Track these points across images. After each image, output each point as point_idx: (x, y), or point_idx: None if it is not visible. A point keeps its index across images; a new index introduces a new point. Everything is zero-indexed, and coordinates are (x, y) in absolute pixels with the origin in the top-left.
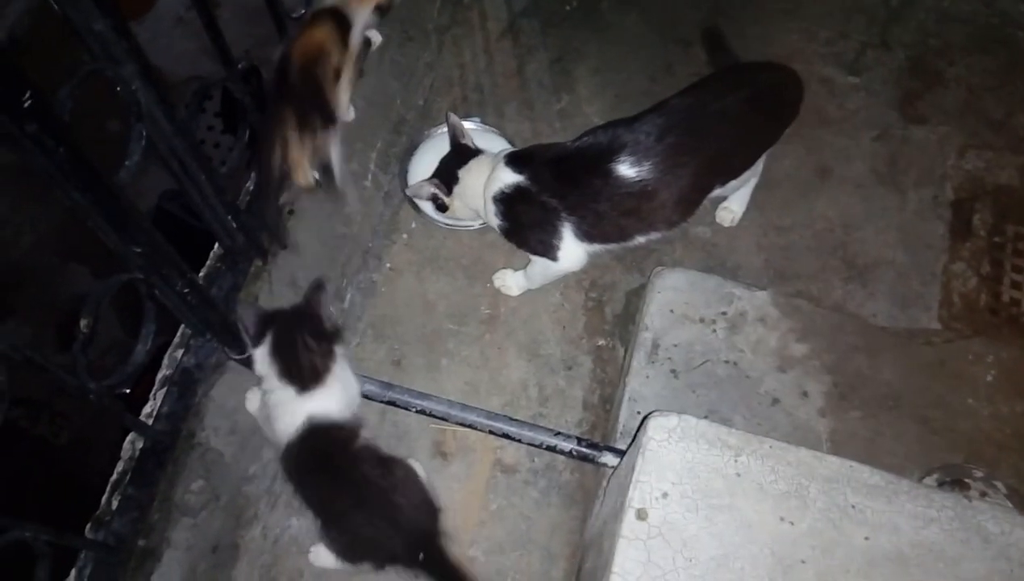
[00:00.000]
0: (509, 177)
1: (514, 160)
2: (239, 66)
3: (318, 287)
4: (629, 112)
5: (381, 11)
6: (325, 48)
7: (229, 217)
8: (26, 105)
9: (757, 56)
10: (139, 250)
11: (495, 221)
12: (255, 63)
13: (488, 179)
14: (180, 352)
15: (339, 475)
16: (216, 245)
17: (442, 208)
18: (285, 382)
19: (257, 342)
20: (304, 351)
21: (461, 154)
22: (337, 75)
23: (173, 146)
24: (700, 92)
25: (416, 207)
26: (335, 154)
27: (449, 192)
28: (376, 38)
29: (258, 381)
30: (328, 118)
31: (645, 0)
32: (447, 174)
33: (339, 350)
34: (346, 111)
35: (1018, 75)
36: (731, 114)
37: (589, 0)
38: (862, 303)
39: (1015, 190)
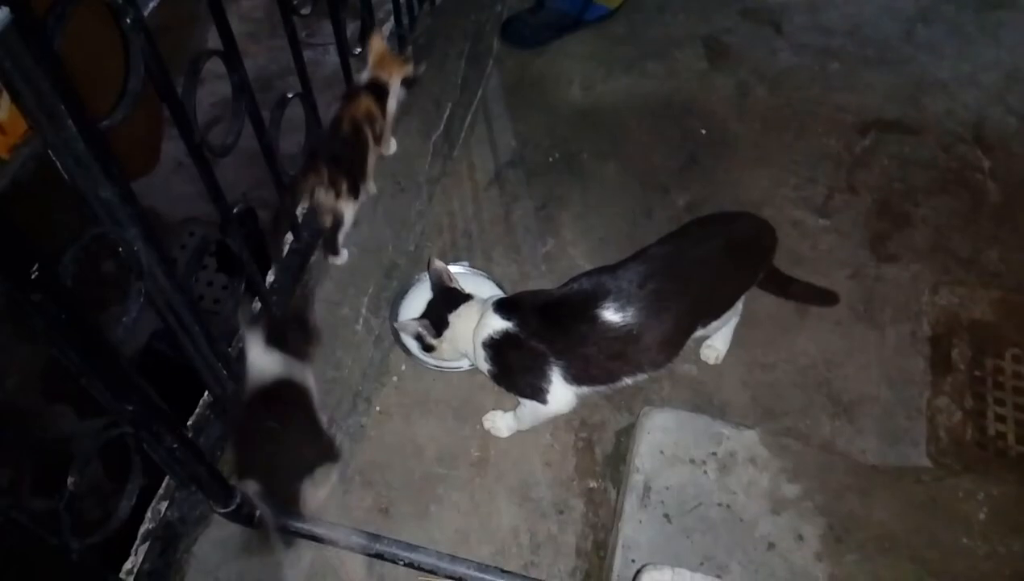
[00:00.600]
0: (498, 323)
1: (503, 306)
2: (235, 210)
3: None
4: (612, 255)
5: (408, 84)
6: (372, 114)
7: (220, 365)
8: (34, 276)
9: (730, 201)
10: (131, 407)
11: (485, 366)
12: (251, 206)
13: (478, 325)
14: (164, 505)
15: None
16: (205, 393)
17: (428, 349)
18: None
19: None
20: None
21: (451, 299)
22: (377, 140)
23: (170, 301)
24: (679, 239)
25: (406, 350)
26: (348, 218)
27: (439, 335)
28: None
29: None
30: (354, 185)
31: (623, 151)
32: (437, 317)
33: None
34: (388, 148)
35: (982, 214)
36: (709, 260)
37: (570, 152)
38: (850, 440)
39: (990, 324)
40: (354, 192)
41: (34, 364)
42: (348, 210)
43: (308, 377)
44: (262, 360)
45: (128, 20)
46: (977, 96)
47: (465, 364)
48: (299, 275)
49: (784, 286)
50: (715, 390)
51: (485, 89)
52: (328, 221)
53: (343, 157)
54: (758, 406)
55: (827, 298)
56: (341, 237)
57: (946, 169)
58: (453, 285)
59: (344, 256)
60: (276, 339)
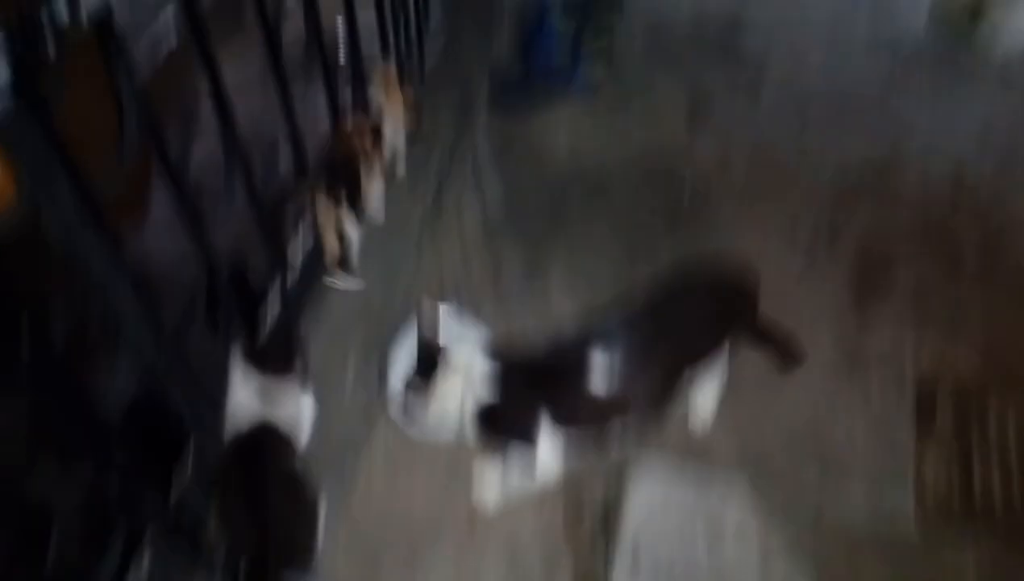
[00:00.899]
0: (487, 369)
1: (491, 353)
2: (225, 261)
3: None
4: (599, 304)
5: (410, 114)
6: (364, 145)
7: (208, 414)
8: (22, 335)
9: (713, 249)
10: (116, 458)
11: (474, 419)
12: (243, 257)
13: (467, 370)
14: (148, 557)
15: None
16: (192, 440)
17: (418, 409)
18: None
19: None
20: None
21: (438, 354)
22: (368, 158)
23: (161, 362)
24: (663, 287)
25: (394, 410)
26: (354, 234)
27: (427, 379)
28: (401, 148)
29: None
30: (354, 197)
31: (609, 205)
32: (426, 364)
33: (299, 368)
34: (377, 208)
35: (963, 265)
36: (694, 307)
37: (558, 206)
38: (838, 498)
39: (973, 376)
40: (353, 202)
41: (17, 417)
42: (351, 224)
43: (292, 408)
44: (242, 392)
45: (124, 90)
46: (955, 147)
47: (454, 424)
48: (292, 324)
49: (762, 337)
50: (704, 448)
51: (475, 144)
52: (333, 238)
53: (338, 169)
54: (747, 456)
55: (793, 357)
56: (354, 256)
57: (926, 221)
58: (442, 331)
59: (353, 282)
60: (257, 357)
